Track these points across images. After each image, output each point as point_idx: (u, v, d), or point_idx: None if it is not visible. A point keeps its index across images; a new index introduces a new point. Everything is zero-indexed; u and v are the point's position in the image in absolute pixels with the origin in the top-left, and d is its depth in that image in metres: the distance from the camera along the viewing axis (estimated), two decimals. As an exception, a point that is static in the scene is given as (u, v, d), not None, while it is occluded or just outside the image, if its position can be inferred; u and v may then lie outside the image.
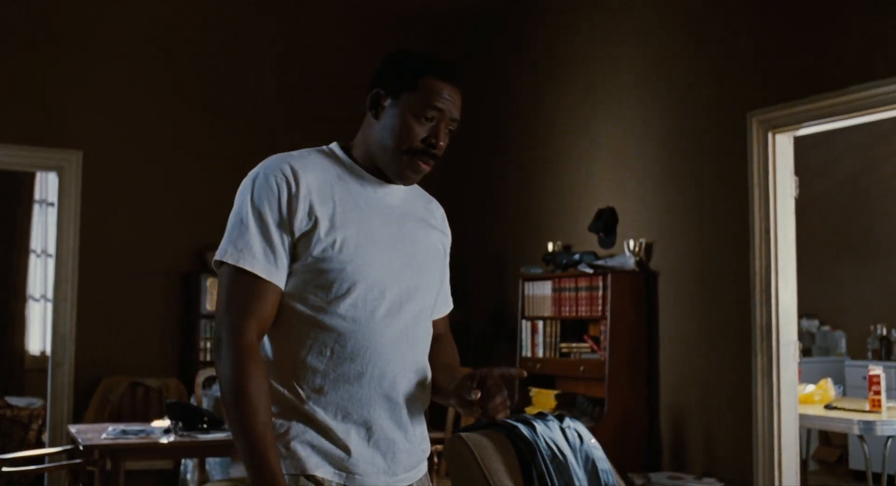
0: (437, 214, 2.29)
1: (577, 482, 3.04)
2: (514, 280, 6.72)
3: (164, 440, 4.45)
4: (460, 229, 8.16)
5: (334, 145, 2.15)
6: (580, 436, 3.21)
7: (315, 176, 2.02)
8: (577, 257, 6.06)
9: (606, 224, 6.10)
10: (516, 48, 7.33)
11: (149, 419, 5.87)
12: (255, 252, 1.96)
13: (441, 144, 2.06)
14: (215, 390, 5.71)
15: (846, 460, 8.29)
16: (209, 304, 6.81)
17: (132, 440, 4.41)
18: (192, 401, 5.46)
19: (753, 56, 5.22)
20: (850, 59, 4.69)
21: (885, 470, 5.25)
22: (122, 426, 4.73)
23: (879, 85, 4.49)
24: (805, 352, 9.13)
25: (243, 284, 1.96)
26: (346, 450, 2.00)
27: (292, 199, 1.97)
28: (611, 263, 5.85)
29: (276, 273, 1.97)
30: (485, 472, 2.84)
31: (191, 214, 6.98)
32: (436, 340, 2.29)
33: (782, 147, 5.09)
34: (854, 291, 9.10)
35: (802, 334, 9.32)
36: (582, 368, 5.87)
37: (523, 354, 6.42)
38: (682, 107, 5.69)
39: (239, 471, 5.17)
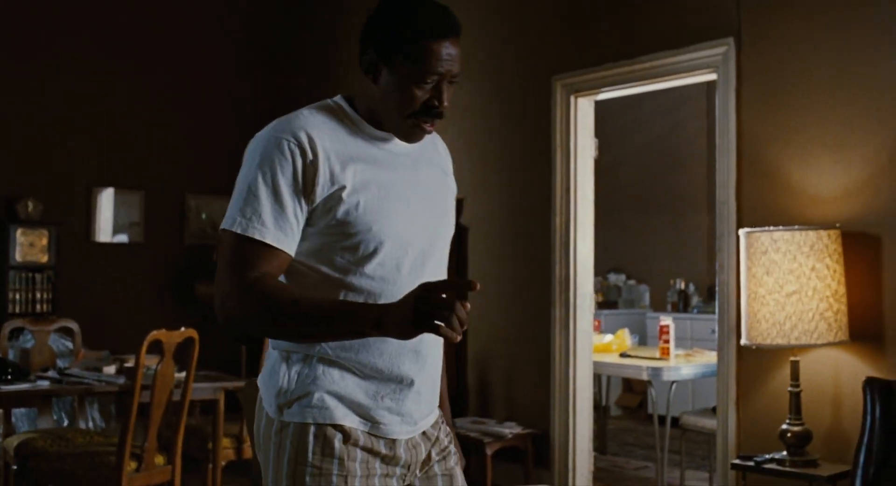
0: (440, 149, 2.22)
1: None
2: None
3: (-34, 392, 4.39)
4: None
5: (339, 99, 2.05)
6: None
7: (330, 139, 1.94)
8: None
9: (421, 180, 6.28)
10: (339, 16, 7.40)
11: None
12: (266, 220, 1.88)
13: (445, 103, 1.99)
14: (22, 341, 5.64)
15: (646, 405, 8.82)
16: (18, 255, 6.67)
17: (-68, 391, 4.34)
18: (-2, 353, 5.37)
19: (559, 24, 5.46)
20: (645, 30, 4.99)
21: (669, 412, 5.66)
22: (-78, 378, 4.63)
23: (670, 55, 4.80)
24: (611, 304, 9.64)
25: (250, 248, 1.88)
26: (373, 402, 1.98)
27: (308, 166, 1.90)
28: (423, 217, 6.03)
29: (285, 241, 1.90)
30: (279, 415, 2.95)
31: (-1, 162, 6.80)
32: None
33: (584, 110, 5.37)
34: (658, 247, 9.62)
35: (610, 288, 9.82)
36: (394, 319, 6.05)
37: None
38: (491, 70, 5.91)
39: (46, 422, 5.15)
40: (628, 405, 9.23)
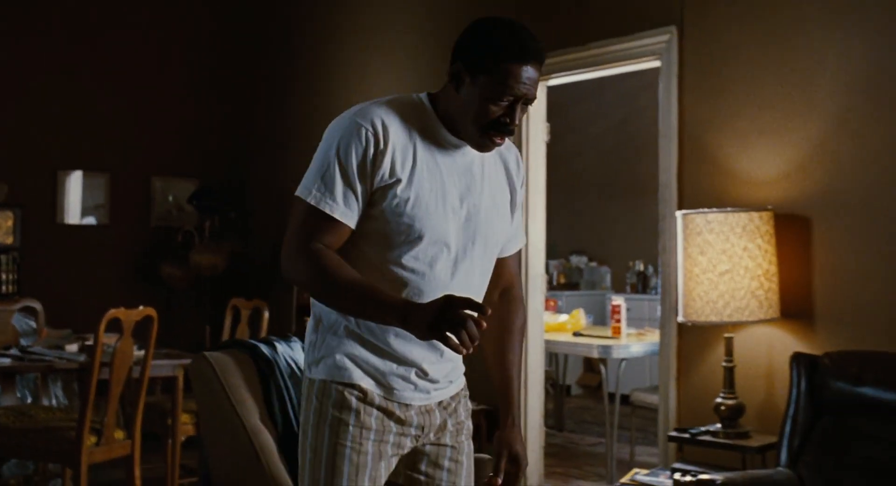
0: (511, 163, 2.34)
1: (313, 396, 3.30)
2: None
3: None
4: (249, 168, 8.30)
5: (424, 97, 2.21)
6: (321, 356, 3.50)
7: (400, 133, 2.11)
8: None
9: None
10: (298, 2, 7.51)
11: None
12: (337, 196, 2.08)
13: (515, 122, 2.11)
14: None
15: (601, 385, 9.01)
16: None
17: None
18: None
19: (512, 13, 5.60)
20: (594, 18, 5.13)
21: (620, 390, 5.85)
22: None
23: (617, 42, 4.95)
24: (573, 286, 9.82)
25: (319, 219, 2.09)
26: (387, 372, 2.18)
27: (378, 154, 2.08)
28: (382, 200, 6.18)
29: (350, 216, 2.10)
30: (225, 387, 3.11)
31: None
32: (502, 297, 2.44)
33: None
34: (619, 229, 9.80)
35: (571, 270, 10.00)
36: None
37: (301, 286, 6.71)
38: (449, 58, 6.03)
39: (10, 400, 5.26)
40: (588, 384, 9.42)
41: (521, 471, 2.33)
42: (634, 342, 5.88)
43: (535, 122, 5.51)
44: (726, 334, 4.13)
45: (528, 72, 2.07)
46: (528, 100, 2.11)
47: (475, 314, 1.91)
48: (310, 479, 2.16)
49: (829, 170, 4.12)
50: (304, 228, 2.10)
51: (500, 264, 2.40)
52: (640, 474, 4.19)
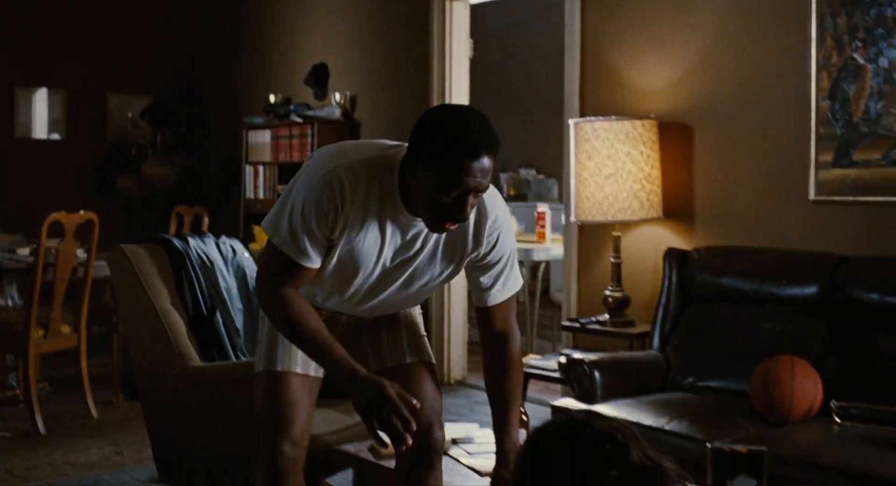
0: (469, 234, 2.39)
1: (223, 283, 3.71)
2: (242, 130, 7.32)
3: None
4: (195, 85, 8.55)
5: (396, 167, 2.28)
6: (234, 250, 3.91)
7: (359, 201, 2.26)
8: (291, 107, 6.70)
9: (319, 78, 6.75)
10: None
11: None
12: (304, 248, 2.28)
13: (467, 212, 2.20)
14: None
15: (549, 290, 9.46)
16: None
17: None
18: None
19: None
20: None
21: (538, 289, 6.28)
22: None
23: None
24: (522, 198, 10.21)
25: (290, 265, 2.31)
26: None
27: (336, 216, 2.25)
28: (319, 113, 6.52)
29: (316, 261, 2.31)
30: (139, 274, 3.50)
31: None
32: (491, 345, 2.55)
33: (459, 14, 5.83)
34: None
35: (520, 182, 10.38)
36: (294, 207, 6.59)
37: (247, 195, 7.09)
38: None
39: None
40: (533, 290, 9.86)
41: None
42: (554, 246, 6.28)
43: (458, 39, 5.82)
44: (614, 233, 4.54)
45: (481, 164, 2.13)
46: (480, 190, 2.18)
47: (406, 414, 2.17)
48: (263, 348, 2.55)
49: (710, 82, 4.48)
50: (274, 272, 2.34)
51: (490, 315, 2.51)
52: (534, 358, 4.63)
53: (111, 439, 4.64)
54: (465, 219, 2.21)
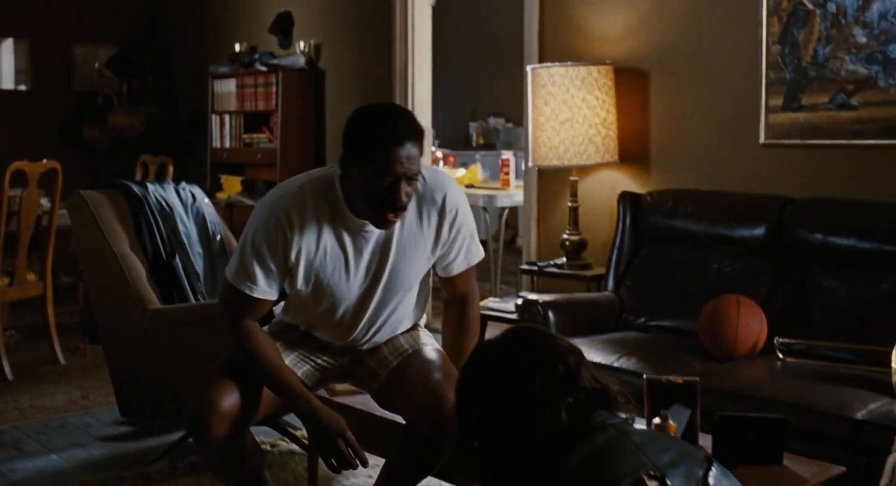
0: (433, 210, 2.53)
1: (182, 228, 3.77)
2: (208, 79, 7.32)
3: None
4: (161, 34, 8.50)
5: (336, 181, 2.44)
6: (193, 196, 3.96)
7: (308, 223, 2.42)
8: (256, 56, 6.71)
9: (284, 27, 6.75)
10: None
11: None
12: (254, 278, 2.44)
13: (402, 200, 2.33)
14: None
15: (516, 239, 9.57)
16: None
17: None
18: None
19: None
20: None
21: (501, 236, 6.36)
22: None
23: None
24: (490, 146, 10.27)
25: (241, 298, 2.48)
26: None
27: (287, 242, 2.41)
28: (284, 62, 6.54)
29: (268, 292, 2.47)
30: (97, 220, 3.56)
31: None
32: (451, 304, 2.74)
33: (420, -40, 5.84)
34: (534, 92, 10.17)
35: (489, 131, 10.43)
36: (259, 155, 6.63)
37: (214, 145, 7.11)
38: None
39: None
40: (497, 236, 9.96)
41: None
42: (519, 192, 6.35)
43: (420, -15, 5.84)
44: (572, 178, 4.61)
45: (406, 151, 2.28)
46: (411, 176, 2.32)
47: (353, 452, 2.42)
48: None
49: (665, 28, 4.53)
50: (231, 305, 2.50)
51: (451, 282, 2.70)
52: (493, 301, 4.72)
53: (77, 384, 4.72)
54: (403, 207, 2.35)
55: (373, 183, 2.30)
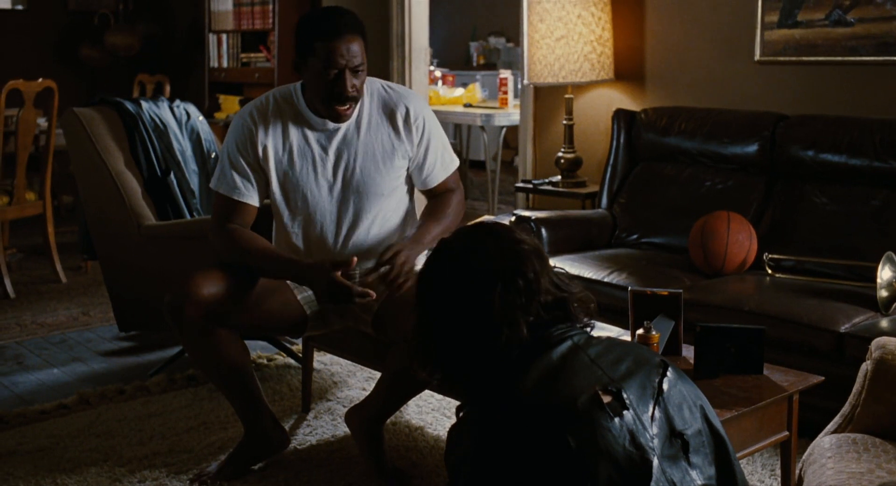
0: (398, 116, 2.72)
1: (177, 145, 3.79)
2: (204, -4, 7.25)
3: None
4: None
5: (298, 86, 2.68)
6: (188, 114, 3.97)
7: (272, 122, 2.64)
8: (252, -27, 6.65)
9: (280, -57, 6.66)
10: None
11: None
12: (230, 180, 2.64)
13: (349, 90, 2.54)
14: None
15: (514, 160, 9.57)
16: None
17: None
18: None
19: None
20: None
21: (500, 157, 6.37)
22: None
23: None
24: (491, 66, 10.19)
25: (224, 202, 2.67)
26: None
27: (253, 141, 2.63)
28: (280, -21, 6.47)
29: (246, 194, 2.65)
30: (91, 137, 3.57)
31: None
32: (433, 196, 2.85)
33: None
34: (536, 10, 10.07)
35: (490, 51, 10.34)
36: (257, 75, 6.61)
37: (211, 64, 7.08)
38: None
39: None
40: (505, 159, 9.96)
41: (398, 267, 2.58)
42: (517, 111, 6.33)
43: None
44: (567, 96, 4.60)
45: (345, 44, 2.51)
46: (355, 68, 2.53)
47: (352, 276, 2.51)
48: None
49: (662, -58, 4.48)
50: (217, 213, 2.68)
51: (433, 192, 2.84)
52: (487, 218, 4.76)
53: (78, 301, 4.78)
54: (352, 98, 2.56)
55: (320, 76, 2.52)
